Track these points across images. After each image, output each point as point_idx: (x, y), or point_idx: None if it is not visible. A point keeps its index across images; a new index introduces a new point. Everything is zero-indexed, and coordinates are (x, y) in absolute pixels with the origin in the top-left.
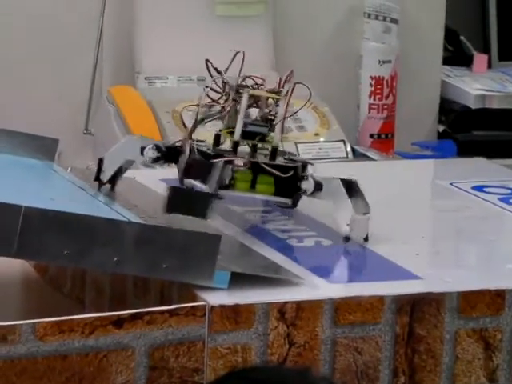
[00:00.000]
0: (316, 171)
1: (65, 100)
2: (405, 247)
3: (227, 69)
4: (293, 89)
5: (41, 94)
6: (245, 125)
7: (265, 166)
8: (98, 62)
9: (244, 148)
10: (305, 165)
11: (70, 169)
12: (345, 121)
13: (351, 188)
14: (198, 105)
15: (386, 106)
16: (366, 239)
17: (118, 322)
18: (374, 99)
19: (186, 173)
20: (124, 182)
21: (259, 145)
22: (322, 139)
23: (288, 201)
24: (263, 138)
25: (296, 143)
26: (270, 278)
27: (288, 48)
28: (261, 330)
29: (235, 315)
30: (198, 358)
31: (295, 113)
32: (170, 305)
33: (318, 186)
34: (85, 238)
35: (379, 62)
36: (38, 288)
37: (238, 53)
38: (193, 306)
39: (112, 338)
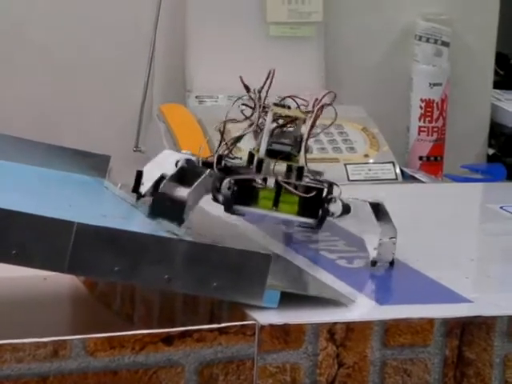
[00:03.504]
0: (342, 193)
1: (115, 117)
2: (454, 270)
3: (262, 87)
4: (320, 110)
5: (92, 111)
6: (270, 143)
7: (285, 185)
8: (150, 79)
9: (282, 167)
10: (331, 185)
11: (119, 185)
12: (394, 143)
13: (378, 211)
14: (224, 121)
15: (435, 129)
16: (391, 263)
17: (168, 339)
18: (424, 122)
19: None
20: None
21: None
22: (371, 161)
23: (312, 221)
24: (289, 157)
25: (345, 164)
26: (320, 298)
27: (339, 69)
28: (310, 350)
29: (285, 335)
30: (247, 377)
31: (318, 134)
32: (219, 323)
33: (346, 209)
34: (136, 255)
35: (430, 84)
36: (87, 304)
37: (270, 71)
38: (242, 325)
39: (162, 354)
